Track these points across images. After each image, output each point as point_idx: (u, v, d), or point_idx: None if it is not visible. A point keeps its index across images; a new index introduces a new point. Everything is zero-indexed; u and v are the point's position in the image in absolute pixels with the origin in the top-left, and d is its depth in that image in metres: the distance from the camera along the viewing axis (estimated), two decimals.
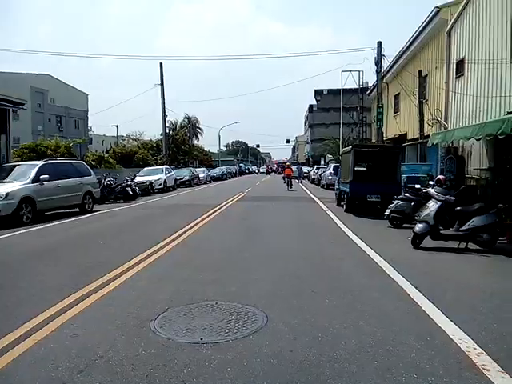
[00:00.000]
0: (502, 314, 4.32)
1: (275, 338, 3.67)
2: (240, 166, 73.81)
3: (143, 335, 3.76)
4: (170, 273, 6.03)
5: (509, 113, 9.99)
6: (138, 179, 23.11)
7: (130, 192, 19.51)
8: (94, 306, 4.57)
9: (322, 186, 28.65)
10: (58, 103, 55.29)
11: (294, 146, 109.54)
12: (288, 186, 27.19)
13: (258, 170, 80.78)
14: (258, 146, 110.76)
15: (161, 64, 33.67)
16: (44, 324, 4.01)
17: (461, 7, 14.18)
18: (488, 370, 3.06)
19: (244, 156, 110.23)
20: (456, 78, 14.75)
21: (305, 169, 46.74)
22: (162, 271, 6.12)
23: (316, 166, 40.94)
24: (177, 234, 9.20)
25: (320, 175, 31.59)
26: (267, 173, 69.40)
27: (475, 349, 3.41)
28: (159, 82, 33.99)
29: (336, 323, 3.99)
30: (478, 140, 9.72)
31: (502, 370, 3.06)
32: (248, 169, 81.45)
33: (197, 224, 10.86)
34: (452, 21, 14.91)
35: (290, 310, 4.39)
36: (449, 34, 15.27)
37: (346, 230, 10.02)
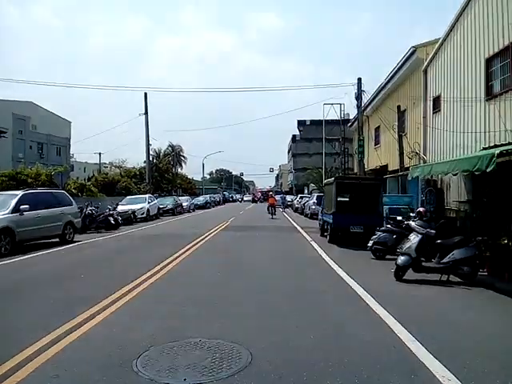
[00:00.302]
0: (484, 349, 4.38)
1: (260, 377, 3.63)
2: (224, 195, 73.94)
3: (125, 376, 3.67)
4: (153, 308, 5.93)
5: (484, 148, 10.38)
6: (120, 208, 22.89)
7: (112, 221, 19.25)
8: (74, 344, 4.45)
9: (306, 215, 28.82)
10: (40, 130, 54.83)
11: (277, 175, 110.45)
12: (271, 214, 28.03)
13: (242, 199, 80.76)
14: (241, 174, 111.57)
15: (145, 94, 34.00)
16: (23, 364, 3.88)
17: (436, 47, 14.91)
18: None
19: (228, 184, 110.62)
20: (433, 113, 15.33)
21: (288, 197, 47.07)
22: (144, 307, 6.01)
23: (299, 195, 41.35)
24: (159, 266, 9.08)
25: (303, 204, 31.84)
26: (253, 201, 67.78)
27: None
28: (144, 112, 34.16)
29: (321, 361, 3.97)
30: (454, 175, 10.04)
31: None
32: (232, 197, 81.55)
33: (180, 255, 10.75)
34: (428, 60, 15.62)
35: (274, 347, 4.36)
36: (425, 72, 15.97)
37: (329, 261, 10.07)
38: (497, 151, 6.94)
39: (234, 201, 76.73)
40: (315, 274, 8.76)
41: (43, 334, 4.63)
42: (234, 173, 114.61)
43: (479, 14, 11.92)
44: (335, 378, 3.61)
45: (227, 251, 12.08)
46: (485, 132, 11.41)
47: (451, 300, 6.68)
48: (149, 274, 8.24)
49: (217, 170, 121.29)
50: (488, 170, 6.88)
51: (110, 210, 20.28)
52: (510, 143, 9.21)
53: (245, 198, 79.11)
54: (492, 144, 10.36)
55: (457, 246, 7.78)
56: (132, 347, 4.31)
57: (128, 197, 27.90)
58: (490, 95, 11.44)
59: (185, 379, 3.60)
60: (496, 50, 11.09)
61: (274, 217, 27.56)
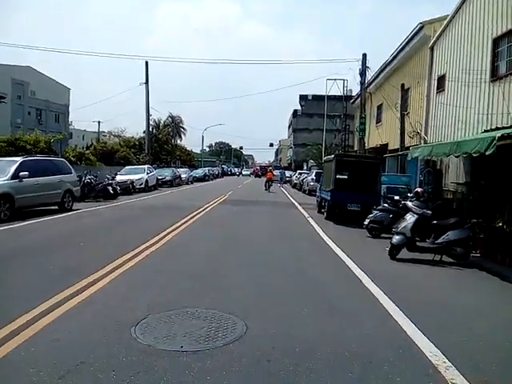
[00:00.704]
0: (472, 328, 4.52)
1: (254, 347, 3.77)
2: (222, 168, 73.79)
3: (124, 342, 3.79)
4: (150, 279, 6.04)
5: (485, 131, 10.36)
6: (119, 178, 22.89)
7: (111, 191, 19.30)
8: (73, 310, 4.56)
9: (304, 192, 28.96)
10: (38, 96, 54.15)
11: (277, 150, 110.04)
12: (268, 188, 29.45)
13: (240, 172, 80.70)
14: (241, 148, 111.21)
15: (146, 63, 33.48)
16: (23, 328, 3.99)
17: (444, 25, 14.61)
18: None
19: (227, 157, 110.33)
20: (437, 92, 15.18)
21: (287, 173, 47.14)
22: (141, 277, 6.13)
23: (298, 171, 41.38)
24: (157, 238, 9.17)
25: (302, 180, 31.91)
26: (256, 176, 62.29)
27: (444, 362, 3.58)
28: (144, 81, 33.70)
29: (313, 334, 4.11)
30: (457, 157, 10.06)
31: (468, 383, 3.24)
32: (230, 170, 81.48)
33: (177, 228, 10.85)
34: (435, 37, 15.34)
35: (268, 319, 4.49)
36: (431, 49, 15.70)
37: (325, 238, 10.20)
38: (498, 134, 6.93)
39: (233, 174, 76.72)
40: (311, 250, 8.90)
41: (42, 300, 4.74)
42: (233, 146, 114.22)
43: None
44: (326, 350, 3.74)
45: (224, 225, 12.20)
46: (487, 114, 11.35)
47: (443, 279, 6.83)
48: (147, 244, 8.35)
49: (216, 143, 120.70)
50: (487, 153, 6.89)
51: (108, 179, 20.30)
52: (510, 127, 9.19)
53: (243, 172, 79.03)
54: (494, 126, 10.33)
55: (452, 227, 7.88)
56: (130, 315, 4.43)
57: (127, 167, 27.88)
58: (495, 76, 11.32)
59: (182, 346, 3.73)
60: (504, 30, 10.90)
61: (270, 190, 29.00)
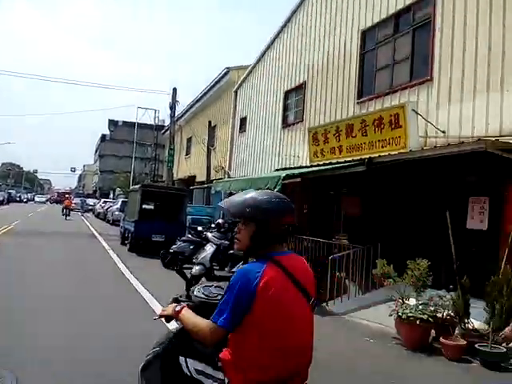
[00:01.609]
0: None
1: None
2: (9, 193, 63.24)
3: None
4: None
5: (277, 170, 11.74)
6: None
7: None
8: None
9: (108, 222, 27.34)
10: None
11: (80, 175, 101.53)
12: (66, 216, 28.31)
13: (33, 198, 71.08)
14: (35, 171, 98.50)
15: None
16: None
17: (246, 72, 16.27)
18: None
19: (17, 181, 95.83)
20: (239, 132, 16.62)
21: (90, 201, 43.87)
22: None
23: (103, 200, 38.88)
24: None
25: (107, 210, 30.04)
26: (53, 202, 61.82)
27: None
28: None
29: (96, 375, 3.60)
30: None
31: None
32: (20, 196, 70.46)
33: None
34: (239, 82, 16.91)
35: (45, 370, 3.75)
36: (235, 93, 17.23)
37: (125, 271, 9.59)
38: (283, 174, 7.89)
39: (22, 201, 66.53)
40: (106, 285, 8.21)
41: None
42: (25, 169, 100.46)
43: (284, 49, 13.54)
44: None
45: (6, 262, 10.19)
46: (279, 155, 12.92)
47: None
48: None
49: (4, 164, 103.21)
50: (275, 190, 7.70)
51: None
52: (295, 167, 10.66)
53: (36, 199, 69.66)
54: (283, 166, 11.80)
55: None
56: None
57: None
58: (285, 124, 13.07)
59: None
60: (293, 86, 12.76)
61: (68, 218, 27.90)
